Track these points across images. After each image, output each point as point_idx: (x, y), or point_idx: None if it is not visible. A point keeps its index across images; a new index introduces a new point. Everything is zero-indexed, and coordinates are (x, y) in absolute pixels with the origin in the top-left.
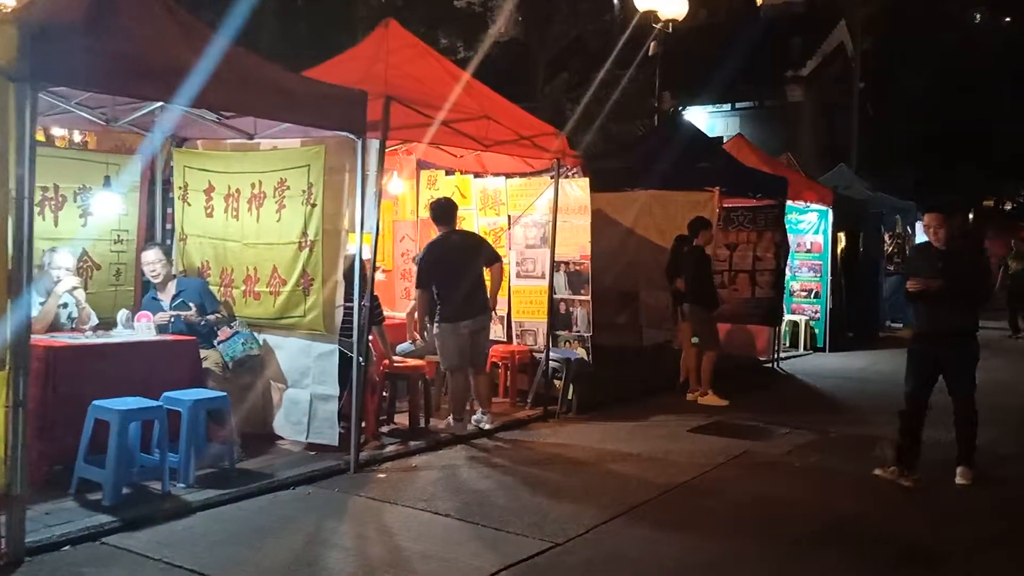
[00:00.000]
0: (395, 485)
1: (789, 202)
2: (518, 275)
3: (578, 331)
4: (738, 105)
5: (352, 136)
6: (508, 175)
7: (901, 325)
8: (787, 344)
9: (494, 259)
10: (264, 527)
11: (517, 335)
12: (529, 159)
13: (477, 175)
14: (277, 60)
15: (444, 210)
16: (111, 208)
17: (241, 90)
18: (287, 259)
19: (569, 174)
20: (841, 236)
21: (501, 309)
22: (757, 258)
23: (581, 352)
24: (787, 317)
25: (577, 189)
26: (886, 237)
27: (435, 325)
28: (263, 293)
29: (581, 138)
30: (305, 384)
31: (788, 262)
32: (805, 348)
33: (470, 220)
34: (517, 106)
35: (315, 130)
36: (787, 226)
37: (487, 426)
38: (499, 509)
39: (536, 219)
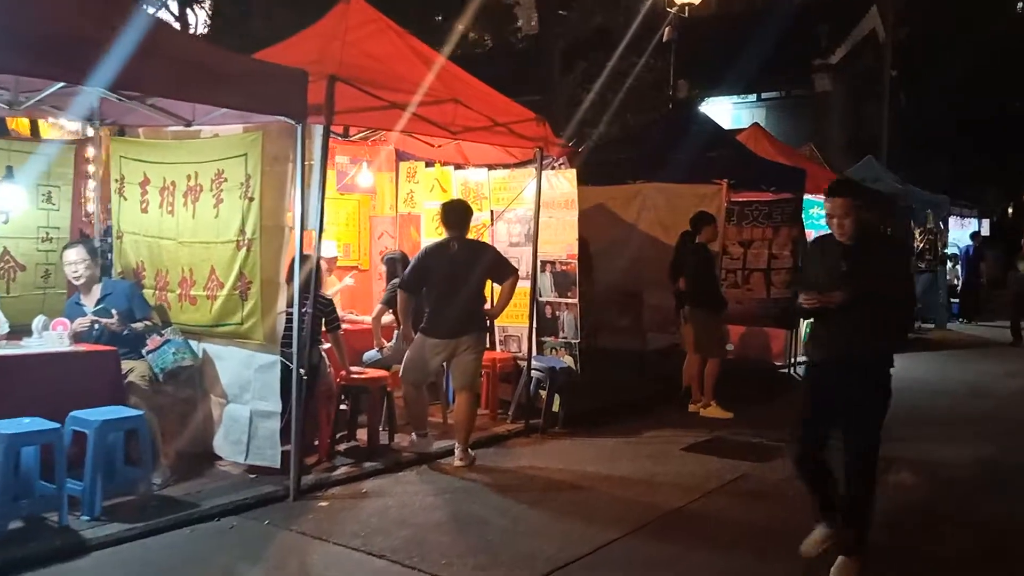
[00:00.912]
0: (335, 516)
1: (809, 196)
2: None
3: (565, 337)
4: (764, 96)
5: (291, 121)
6: (491, 166)
7: (933, 325)
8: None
9: (506, 273)
10: (166, 569)
11: (500, 341)
12: (511, 148)
13: (458, 167)
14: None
15: (454, 214)
16: (12, 203)
17: (160, 69)
18: (224, 259)
19: (555, 165)
20: None
21: None
22: (773, 256)
23: (568, 360)
24: None
25: (564, 182)
26: (917, 233)
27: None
28: (199, 297)
29: (594, 130)
30: (245, 399)
31: None
32: None
33: None
34: (494, 90)
35: (257, 115)
36: (810, 221)
37: (429, 448)
38: (444, 547)
39: (521, 214)
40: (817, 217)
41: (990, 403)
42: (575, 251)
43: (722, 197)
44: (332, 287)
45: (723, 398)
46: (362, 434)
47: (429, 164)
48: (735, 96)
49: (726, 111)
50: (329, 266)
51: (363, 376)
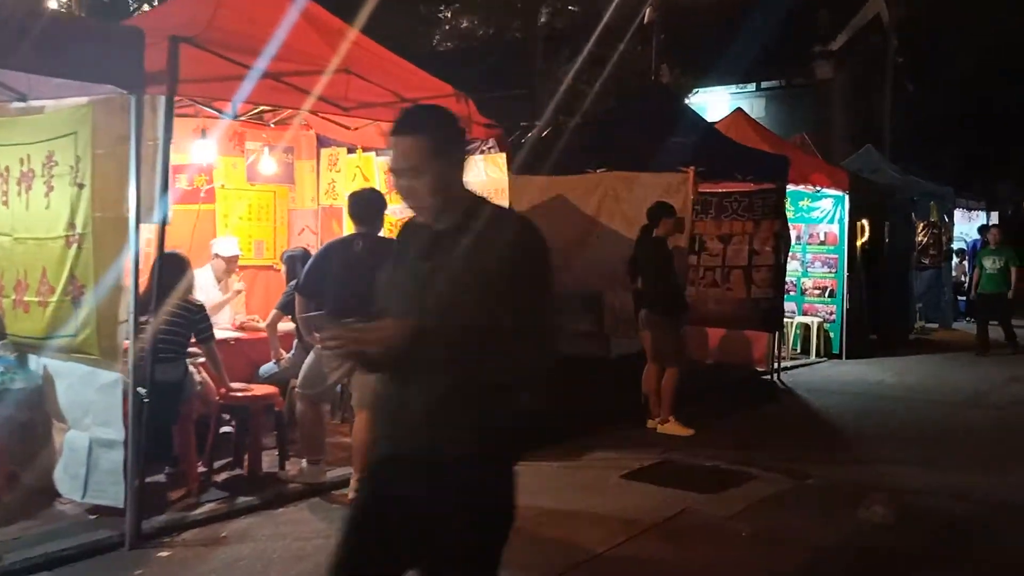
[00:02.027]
0: (172, 572)
1: (800, 187)
2: None
3: None
4: (764, 85)
5: (123, 91)
6: None
7: (937, 325)
8: (797, 350)
9: None
10: None
11: None
12: None
13: (381, 152)
14: None
15: (362, 205)
16: None
17: None
18: (54, 259)
19: (484, 149)
20: (865, 225)
21: None
22: (754, 252)
23: None
24: (798, 319)
25: (494, 168)
26: (920, 227)
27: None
28: (32, 303)
29: (570, 118)
30: (85, 425)
31: (799, 256)
32: (818, 355)
33: None
34: (405, 60)
35: (95, 86)
36: (799, 214)
37: (320, 479)
38: None
39: None
40: (807, 210)
41: (988, 416)
42: None
43: (689, 187)
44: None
45: (695, 409)
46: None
47: (351, 150)
48: (733, 86)
49: (724, 101)
50: (229, 266)
51: (245, 394)
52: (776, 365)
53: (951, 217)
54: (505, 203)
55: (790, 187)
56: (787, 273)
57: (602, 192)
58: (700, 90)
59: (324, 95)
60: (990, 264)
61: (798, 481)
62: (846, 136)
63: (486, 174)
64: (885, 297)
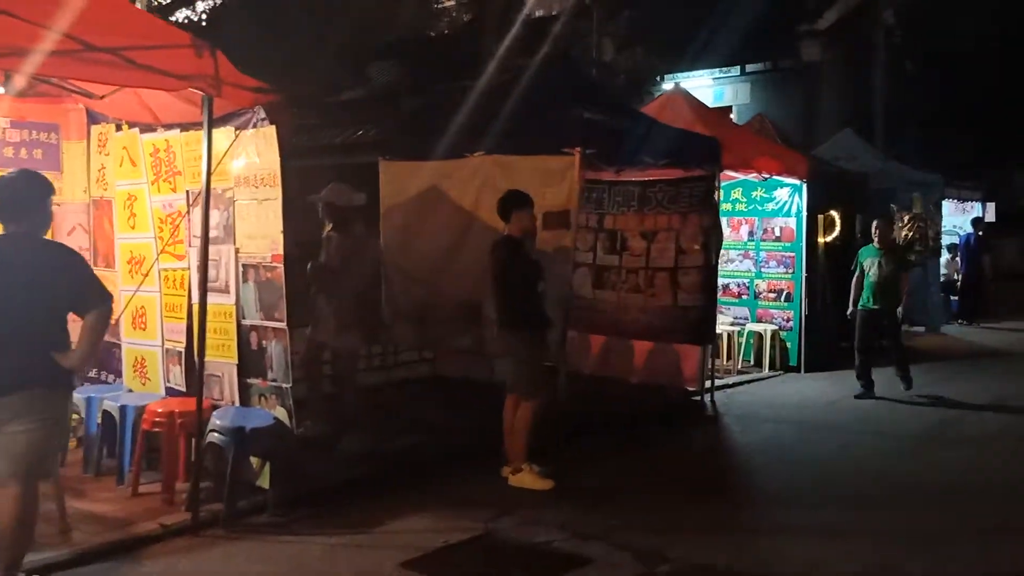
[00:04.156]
0: None
1: (751, 175)
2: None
3: (274, 379)
4: (749, 69)
5: None
6: (184, 127)
7: (924, 329)
8: (750, 362)
9: (89, 301)
10: None
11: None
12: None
13: (147, 128)
14: None
15: (6, 193)
16: None
17: None
18: None
19: (255, 122)
20: (835, 218)
21: (180, 342)
22: (681, 251)
23: (279, 413)
24: (750, 326)
25: (263, 146)
26: (905, 218)
27: None
28: None
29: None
30: None
31: (752, 254)
32: (773, 368)
33: (143, 201)
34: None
35: None
36: (751, 206)
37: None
38: None
39: (220, 195)
40: (761, 201)
41: (956, 459)
42: (280, 250)
43: (575, 172)
44: None
45: (581, 449)
46: None
47: (119, 127)
48: (716, 69)
49: (706, 86)
50: None
51: None
52: (710, 384)
53: (939, 208)
54: (279, 190)
55: (740, 175)
56: (739, 274)
57: (480, 180)
58: (679, 75)
59: None
60: (875, 269)
61: (645, 570)
62: (839, 122)
63: (257, 156)
64: None
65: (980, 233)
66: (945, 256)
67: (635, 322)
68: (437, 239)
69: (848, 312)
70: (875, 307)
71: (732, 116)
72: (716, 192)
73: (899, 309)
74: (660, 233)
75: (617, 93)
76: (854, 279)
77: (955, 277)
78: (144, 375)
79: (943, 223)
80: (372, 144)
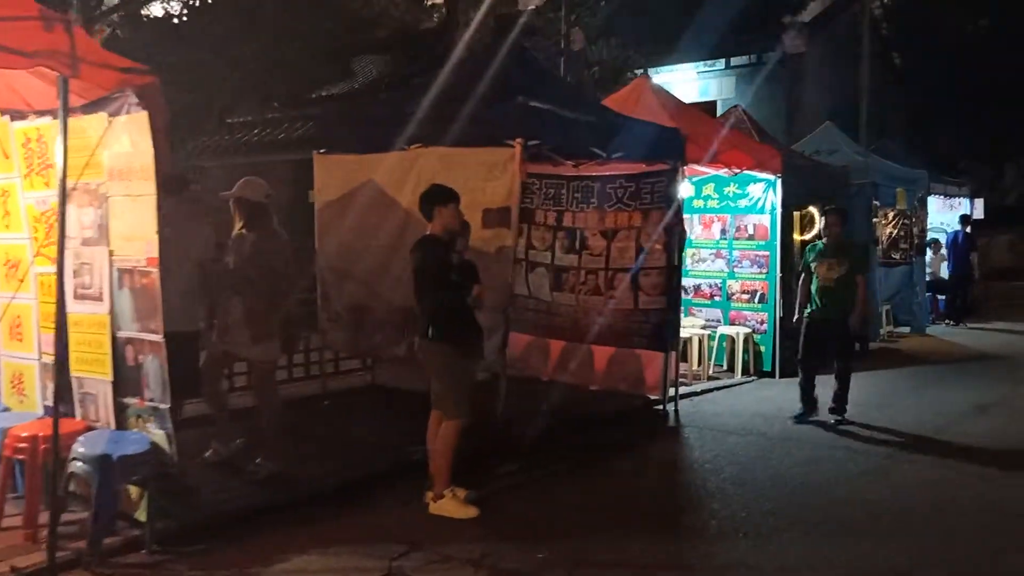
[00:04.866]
0: None
1: (725, 170)
2: (76, 295)
3: (151, 399)
4: (733, 62)
5: None
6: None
7: (908, 330)
8: (723, 367)
9: None
10: None
11: (78, 402)
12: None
13: (17, 115)
14: None
15: None
16: None
17: None
18: None
19: (128, 108)
20: (814, 215)
21: (48, 354)
22: (642, 250)
23: (157, 437)
24: (722, 329)
25: (136, 134)
26: (886, 215)
27: None
28: None
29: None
30: None
31: (725, 253)
32: (746, 373)
33: (15, 198)
34: None
35: None
36: (724, 203)
37: None
38: None
39: (95, 190)
40: (734, 198)
41: (932, 477)
42: (156, 252)
43: (516, 165)
44: None
45: (526, 471)
46: None
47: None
48: (700, 63)
49: (690, 81)
50: None
51: None
52: (674, 392)
53: (923, 204)
54: (151, 188)
55: (711, 170)
56: (711, 274)
57: (418, 175)
58: (663, 69)
59: None
60: (823, 271)
61: None
62: (826, 116)
63: (131, 146)
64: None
65: (968, 230)
66: (929, 255)
67: (595, 326)
68: (374, 238)
69: (794, 319)
70: (823, 316)
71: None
72: (680, 187)
73: (852, 319)
74: (621, 231)
75: (591, 84)
76: (799, 281)
77: (942, 275)
78: (21, 391)
79: (930, 220)
80: (309, 139)
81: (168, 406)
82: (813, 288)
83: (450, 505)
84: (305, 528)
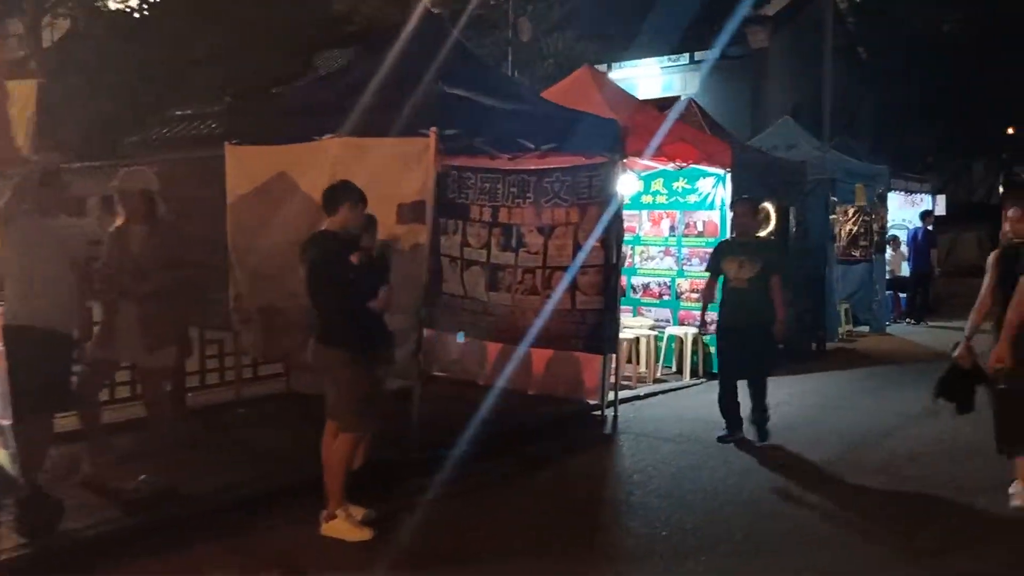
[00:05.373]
0: None
1: (670, 164)
2: None
3: None
4: (697, 57)
5: None
6: None
7: (868, 328)
8: (672, 368)
9: None
10: None
11: None
12: None
13: None
14: None
15: None
16: None
17: None
18: None
19: None
20: (769, 211)
21: None
22: (580, 248)
23: (0, 457)
24: (670, 330)
25: None
26: (845, 212)
27: None
28: None
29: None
30: None
31: (673, 251)
32: (695, 375)
33: None
34: None
35: None
36: (672, 199)
37: None
38: None
39: None
40: (683, 193)
41: (871, 487)
42: None
43: (430, 156)
44: None
45: (443, 487)
46: None
47: None
48: (664, 58)
49: (654, 75)
50: None
51: None
52: (613, 396)
53: (884, 200)
54: None
55: (658, 164)
56: (660, 273)
57: (331, 167)
58: (626, 63)
59: None
60: (733, 270)
61: None
62: (789, 112)
63: None
64: (792, 300)
65: (929, 227)
66: (888, 252)
67: (532, 327)
68: (286, 233)
69: (696, 331)
70: (734, 323)
71: None
72: (618, 181)
73: (775, 328)
74: (558, 228)
75: (547, 74)
76: (704, 284)
77: (901, 273)
78: None
79: (891, 217)
80: (233, 134)
81: (9, 423)
82: (725, 292)
83: (342, 526)
84: (180, 552)
